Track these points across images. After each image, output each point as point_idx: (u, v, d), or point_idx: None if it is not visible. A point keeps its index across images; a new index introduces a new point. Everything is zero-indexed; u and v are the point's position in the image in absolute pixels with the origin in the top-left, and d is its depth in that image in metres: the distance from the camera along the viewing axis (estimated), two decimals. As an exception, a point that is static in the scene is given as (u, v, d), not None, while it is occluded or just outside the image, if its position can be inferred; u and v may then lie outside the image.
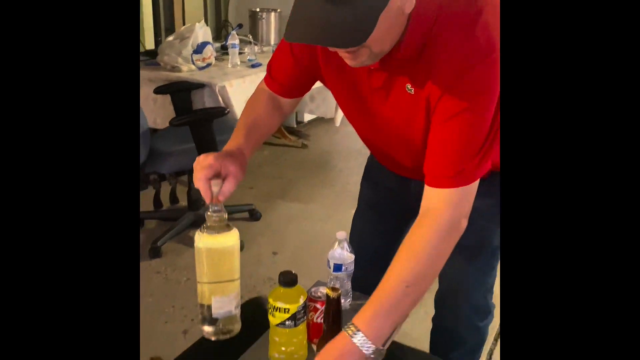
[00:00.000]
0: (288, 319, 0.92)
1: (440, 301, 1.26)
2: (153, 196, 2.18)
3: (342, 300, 1.13)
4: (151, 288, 1.95)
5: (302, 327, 0.95)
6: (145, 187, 2.09)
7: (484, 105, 0.79)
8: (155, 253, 2.14)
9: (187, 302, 1.84)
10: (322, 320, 0.92)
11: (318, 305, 0.99)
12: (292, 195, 2.82)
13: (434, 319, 1.30)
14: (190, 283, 1.94)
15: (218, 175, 0.86)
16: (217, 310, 0.89)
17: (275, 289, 0.95)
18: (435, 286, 1.26)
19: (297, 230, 2.40)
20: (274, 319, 0.93)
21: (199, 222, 0.85)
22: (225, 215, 0.88)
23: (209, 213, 0.87)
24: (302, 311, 0.94)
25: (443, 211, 0.82)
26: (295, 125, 3.82)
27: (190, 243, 2.32)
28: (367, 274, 1.31)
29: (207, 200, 0.86)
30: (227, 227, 0.88)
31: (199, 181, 0.84)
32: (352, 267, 1.12)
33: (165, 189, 2.20)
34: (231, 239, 0.89)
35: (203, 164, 0.85)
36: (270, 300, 0.94)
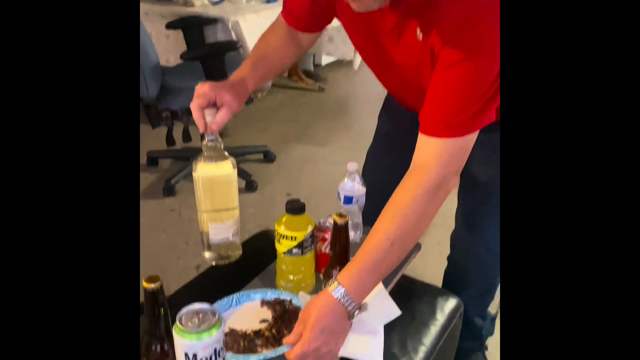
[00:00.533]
0: (295, 246, 0.90)
1: (455, 239, 1.22)
2: (166, 134, 2.15)
3: (352, 234, 1.10)
4: (165, 225, 1.96)
5: (310, 255, 0.93)
6: (158, 124, 2.06)
7: (487, 56, 0.74)
8: (169, 191, 2.14)
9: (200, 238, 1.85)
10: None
11: (327, 236, 0.96)
12: (308, 138, 2.77)
13: (448, 258, 1.27)
14: (203, 221, 1.94)
15: (213, 105, 0.84)
16: (214, 237, 0.90)
17: (282, 217, 0.92)
18: (453, 225, 1.22)
19: (312, 173, 2.37)
20: (281, 246, 0.91)
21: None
22: (221, 145, 0.87)
23: (204, 142, 0.86)
24: (310, 240, 0.91)
25: (431, 167, 0.79)
26: (312, 69, 3.71)
27: (204, 183, 2.32)
28: (379, 209, 1.28)
29: (201, 129, 0.84)
30: (223, 157, 0.87)
31: (193, 110, 0.84)
32: (363, 200, 1.08)
33: (179, 127, 2.17)
34: (227, 168, 0.87)
35: (198, 92, 0.84)
36: (277, 228, 0.91)
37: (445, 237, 1.35)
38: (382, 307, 0.89)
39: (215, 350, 0.64)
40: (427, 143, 0.80)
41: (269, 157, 2.44)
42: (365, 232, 1.17)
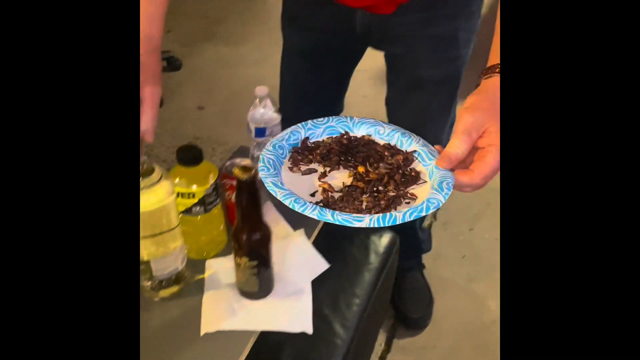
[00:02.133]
0: (195, 205, 0.72)
1: None
2: None
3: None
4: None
5: (217, 210, 0.76)
6: None
7: None
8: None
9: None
10: (241, 202, 0.72)
11: (235, 183, 0.79)
12: (220, 36, 2.44)
13: None
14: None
15: None
16: (160, 272, 0.69)
17: (175, 168, 0.73)
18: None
19: (227, 78, 2.10)
20: (178, 205, 0.73)
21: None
22: (145, 157, 0.62)
23: None
24: (214, 193, 0.73)
25: None
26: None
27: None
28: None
29: None
30: (152, 175, 0.62)
31: None
32: (278, 129, 0.90)
33: None
34: (163, 193, 0.63)
35: None
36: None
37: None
38: (308, 261, 0.76)
39: None
40: None
41: (173, 65, 2.12)
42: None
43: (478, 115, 0.53)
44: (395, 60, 0.92)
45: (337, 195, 0.57)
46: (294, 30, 0.97)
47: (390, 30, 0.82)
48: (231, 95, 1.99)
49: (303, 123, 0.65)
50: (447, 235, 1.42)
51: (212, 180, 0.73)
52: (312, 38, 0.94)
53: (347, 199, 0.56)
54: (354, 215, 0.52)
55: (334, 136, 0.64)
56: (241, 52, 2.31)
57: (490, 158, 0.52)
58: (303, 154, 0.62)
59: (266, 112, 0.88)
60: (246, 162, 0.76)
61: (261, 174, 0.57)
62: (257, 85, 0.88)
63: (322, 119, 0.65)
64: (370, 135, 0.64)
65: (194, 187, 0.71)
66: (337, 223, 0.50)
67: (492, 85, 0.55)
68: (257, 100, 0.87)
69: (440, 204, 0.52)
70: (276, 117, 0.88)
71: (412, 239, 1.21)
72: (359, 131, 0.65)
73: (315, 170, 0.60)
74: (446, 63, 0.86)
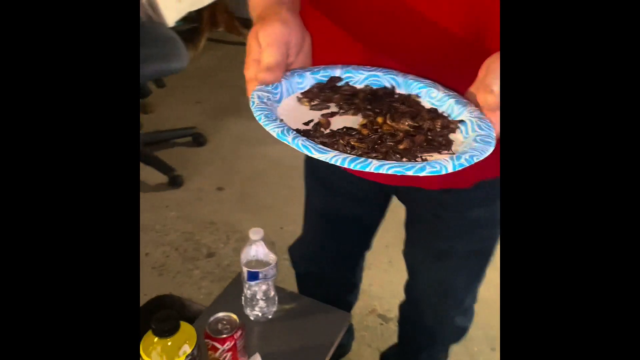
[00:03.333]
0: (170, 376, 0.66)
1: (421, 299, 0.97)
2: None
3: (266, 309, 0.87)
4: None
5: (195, 377, 0.69)
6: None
7: None
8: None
9: None
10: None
11: (218, 345, 0.73)
12: (248, 110, 2.42)
13: (407, 312, 1.06)
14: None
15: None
16: None
17: (148, 337, 0.67)
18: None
19: (249, 157, 2.07)
20: (151, 376, 0.67)
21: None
22: None
23: None
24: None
25: None
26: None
27: None
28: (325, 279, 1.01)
29: None
30: None
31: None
32: (273, 272, 0.84)
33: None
34: None
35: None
36: (143, 355, 0.66)
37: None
38: None
39: None
40: None
41: (198, 141, 2.12)
42: (283, 302, 0.89)
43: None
44: (421, 225, 0.83)
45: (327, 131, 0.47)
46: (318, 191, 0.89)
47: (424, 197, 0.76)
48: (252, 176, 1.96)
49: (343, 65, 0.54)
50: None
51: (188, 349, 0.66)
52: (336, 203, 0.87)
53: (333, 137, 0.45)
54: (320, 147, 0.42)
55: (374, 87, 0.54)
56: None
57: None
58: (324, 91, 0.52)
59: (259, 254, 0.82)
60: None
61: (255, 89, 0.50)
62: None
63: (367, 67, 0.54)
64: (419, 96, 0.53)
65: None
66: (292, 146, 0.42)
67: None
68: (251, 243, 0.81)
69: (444, 172, 0.41)
70: (272, 259, 0.82)
71: None
72: (408, 90, 0.54)
73: (328, 108, 0.50)
74: (478, 241, 0.78)
